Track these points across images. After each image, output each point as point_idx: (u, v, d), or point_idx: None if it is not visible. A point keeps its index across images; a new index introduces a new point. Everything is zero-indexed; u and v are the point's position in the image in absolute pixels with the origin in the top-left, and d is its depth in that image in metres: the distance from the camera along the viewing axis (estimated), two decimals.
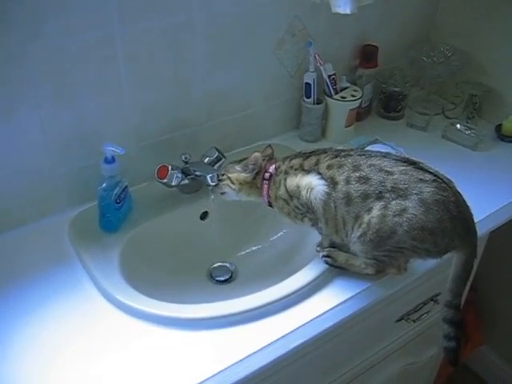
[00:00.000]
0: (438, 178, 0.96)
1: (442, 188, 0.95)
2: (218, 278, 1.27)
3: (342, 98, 1.46)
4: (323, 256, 1.09)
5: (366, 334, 1.19)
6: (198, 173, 1.21)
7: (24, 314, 0.99)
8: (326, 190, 0.99)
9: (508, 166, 1.47)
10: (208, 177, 1.17)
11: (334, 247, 1.10)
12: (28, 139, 1.10)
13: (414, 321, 1.26)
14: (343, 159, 1.01)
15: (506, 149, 1.53)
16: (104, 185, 1.10)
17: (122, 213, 1.16)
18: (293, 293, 1.03)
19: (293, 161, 1.08)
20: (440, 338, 1.50)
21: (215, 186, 1.17)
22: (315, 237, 1.14)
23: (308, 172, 1.03)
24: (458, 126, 1.52)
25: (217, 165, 1.26)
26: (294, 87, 1.47)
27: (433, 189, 0.94)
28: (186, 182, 1.24)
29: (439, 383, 1.78)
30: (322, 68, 1.42)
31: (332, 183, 1.00)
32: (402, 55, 1.64)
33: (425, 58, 1.62)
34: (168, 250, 1.22)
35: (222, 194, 1.17)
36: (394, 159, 0.98)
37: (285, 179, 1.07)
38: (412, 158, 1.00)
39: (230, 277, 1.28)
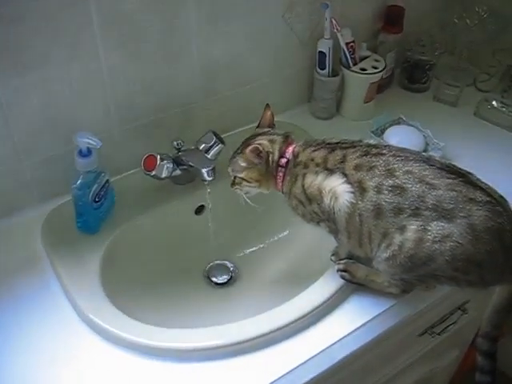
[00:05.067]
0: (492, 198, 0.78)
1: (497, 212, 0.76)
2: (215, 280, 1.12)
3: (362, 69, 1.26)
4: (339, 270, 0.92)
5: (384, 354, 1.03)
6: (191, 163, 1.03)
7: None
8: (352, 201, 0.81)
9: None
10: (204, 171, 0.99)
11: (351, 258, 0.93)
12: None
13: (438, 334, 1.10)
14: (374, 159, 0.82)
15: None
16: (79, 182, 0.92)
17: (103, 212, 0.99)
18: (303, 316, 0.87)
19: (315, 152, 0.88)
20: (464, 340, 1.38)
21: (232, 186, 0.98)
22: (329, 237, 0.97)
23: (331, 172, 0.84)
24: (494, 102, 1.32)
25: (214, 150, 1.07)
26: (306, 56, 1.26)
27: (485, 213, 0.75)
28: (179, 172, 1.06)
29: (457, 380, 1.64)
30: (338, 34, 1.20)
31: (360, 190, 0.81)
32: (431, 18, 1.42)
33: (456, 20, 1.41)
34: (157, 251, 1.06)
35: (246, 194, 0.98)
36: (439, 168, 0.79)
37: (303, 175, 0.87)
38: (459, 167, 0.81)
39: (230, 278, 1.12)
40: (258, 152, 0.90)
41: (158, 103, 1.09)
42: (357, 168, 0.82)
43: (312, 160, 0.88)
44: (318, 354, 0.85)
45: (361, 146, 0.86)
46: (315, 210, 0.87)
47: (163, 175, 1.02)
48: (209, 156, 1.06)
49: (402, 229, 0.78)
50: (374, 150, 0.83)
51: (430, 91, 1.43)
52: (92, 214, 0.96)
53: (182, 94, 1.11)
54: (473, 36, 1.39)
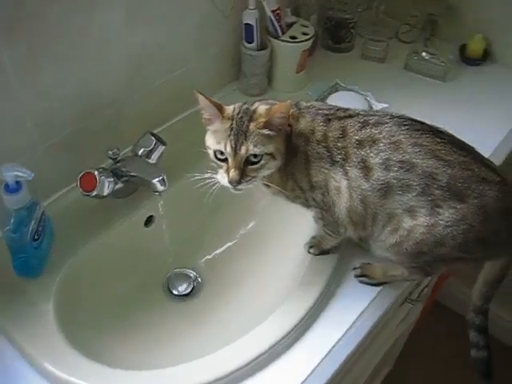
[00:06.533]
0: (501, 177, 0.73)
1: (507, 192, 0.73)
2: (175, 292, 1.02)
3: (292, 38, 1.17)
4: (356, 276, 0.87)
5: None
6: (133, 173, 0.90)
7: None
8: (348, 201, 0.75)
9: (481, 94, 1.27)
10: (156, 182, 0.85)
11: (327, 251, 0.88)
12: None
13: (417, 300, 1.08)
14: (375, 130, 0.73)
15: (474, 75, 1.33)
16: (12, 222, 0.77)
17: (43, 249, 0.84)
18: (282, 338, 0.79)
19: (313, 123, 0.76)
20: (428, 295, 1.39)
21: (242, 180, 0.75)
22: (296, 225, 0.92)
23: (333, 159, 0.74)
24: (424, 54, 1.29)
25: (155, 153, 0.95)
26: (230, 31, 1.15)
27: (497, 193, 0.71)
28: (120, 185, 0.92)
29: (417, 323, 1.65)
30: (264, 2, 1.10)
31: (365, 170, 0.72)
32: None
33: None
34: (112, 275, 0.95)
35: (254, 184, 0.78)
36: (449, 142, 0.73)
37: (305, 154, 0.75)
38: (464, 141, 0.76)
39: (193, 288, 1.02)
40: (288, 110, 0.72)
41: (83, 108, 0.93)
42: (360, 145, 0.73)
43: (312, 133, 0.76)
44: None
45: (357, 114, 0.76)
46: (316, 199, 0.79)
47: (106, 193, 0.89)
48: (150, 160, 0.94)
49: (411, 211, 0.72)
50: (373, 119, 0.75)
51: (356, 50, 1.38)
52: (33, 254, 0.81)
53: (108, 93, 0.97)
54: None
